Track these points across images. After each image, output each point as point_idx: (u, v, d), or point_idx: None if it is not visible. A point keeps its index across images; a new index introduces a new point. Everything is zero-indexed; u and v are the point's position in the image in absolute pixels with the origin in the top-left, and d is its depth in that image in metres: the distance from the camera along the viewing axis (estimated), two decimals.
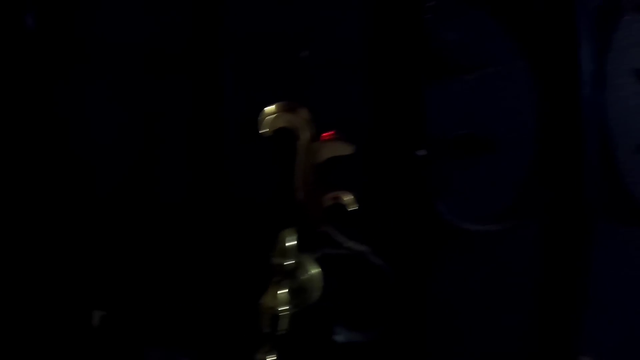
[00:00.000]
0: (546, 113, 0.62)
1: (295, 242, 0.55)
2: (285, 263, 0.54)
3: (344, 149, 0.58)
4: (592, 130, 0.63)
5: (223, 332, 0.61)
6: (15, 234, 0.64)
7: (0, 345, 0.67)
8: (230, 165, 0.59)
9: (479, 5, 0.61)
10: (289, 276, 0.55)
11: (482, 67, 0.61)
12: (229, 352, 0.60)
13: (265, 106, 0.58)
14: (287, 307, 0.55)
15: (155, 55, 0.60)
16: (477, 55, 0.61)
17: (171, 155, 0.60)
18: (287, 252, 0.55)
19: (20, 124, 0.62)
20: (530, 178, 0.63)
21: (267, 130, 0.57)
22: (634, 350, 0.69)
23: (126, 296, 0.63)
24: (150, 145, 0.60)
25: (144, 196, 0.61)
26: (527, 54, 0.62)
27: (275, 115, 0.57)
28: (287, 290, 0.55)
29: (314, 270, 0.60)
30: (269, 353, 0.56)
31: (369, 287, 0.61)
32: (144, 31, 0.61)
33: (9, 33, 0.62)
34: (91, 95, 0.62)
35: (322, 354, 0.62)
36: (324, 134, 0.58)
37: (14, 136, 0.63)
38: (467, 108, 0.61)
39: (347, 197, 0.59)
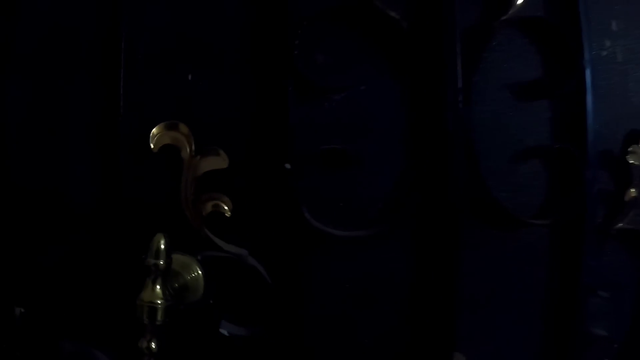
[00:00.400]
0: (414, 127, 0.68)
1: (165, 244, 0.63)
2: (159, 262, 0.63)
3: (220, 163, 0.67)
4: (459, 143, 0.67)
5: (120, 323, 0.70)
6: None
7: None
8: (127, 178, 0.69)
9: (348, 27, 0.68)
10: (162, 274, 0.63)
11: (351, 87, 0.67)
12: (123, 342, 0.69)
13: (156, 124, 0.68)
14: (162, 301, 0.63)
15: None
16: (345, 75, 0.68)
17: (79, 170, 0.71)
18: (159, 253, 0.63)
19: None
20: (399, 188, 0.68)
21: (154, 147, 0.67)
22: (505, 347, 0.71)
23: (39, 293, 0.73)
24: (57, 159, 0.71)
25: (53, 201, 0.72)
26: (396, 73, 0.68)
27: (159, 133, 0.67)
28: (161, 286, 0.63)
29: (197, 271, 0.68)
30: (150, 342, 0.64)
31: (247, 286, 0.69)
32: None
33: None
34: None
35: (208, 347, 0.70)
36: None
37: None
38: (336, 124, 0.68)
39: (225, 205, 0.67)
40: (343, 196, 0.68)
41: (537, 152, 0.73)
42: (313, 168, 0.67)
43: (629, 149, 0.79)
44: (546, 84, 0.73)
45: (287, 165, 0.66)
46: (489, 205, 0.69)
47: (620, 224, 0.80)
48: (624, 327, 0.85)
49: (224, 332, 0.70)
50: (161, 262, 0.63)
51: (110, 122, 0.69)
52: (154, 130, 0.67)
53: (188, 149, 0.67)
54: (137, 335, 0.67)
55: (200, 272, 0.68)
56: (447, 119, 0.67)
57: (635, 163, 0.79)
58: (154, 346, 0.64)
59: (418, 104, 0.68)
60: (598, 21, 0.76)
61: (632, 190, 0.80)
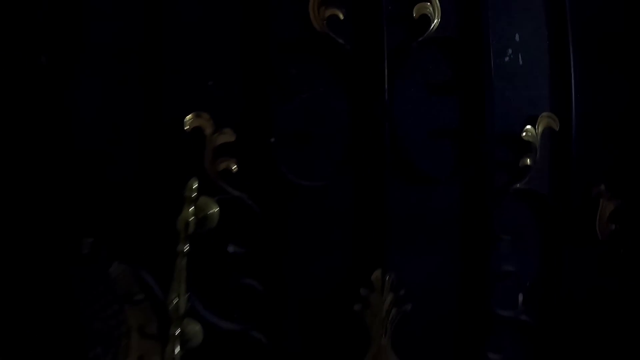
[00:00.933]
0: (355, 116, 1.01)
1: (196, 184, 0.91)
2: (192, 194, 0.92)
3: (229, 138, 1.00)
4: (386, 126, 1.00)
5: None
6: None
7: None
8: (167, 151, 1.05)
9: (315, 51, 1.02)
10: (193, 202, 0.92)
11: (312, 89, 1.02)
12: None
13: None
14: (193, 218, 0.88)
15: None
16: (309, 82, 1.02)
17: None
18: (192, 189, 0.91)
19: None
20: (344, 154, 1.02)
21: (187, 128, 1.04)
22: (429, 278, 1.01)
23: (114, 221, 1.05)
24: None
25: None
26: (342, 79, 1.01)
27: (191, 119, 1.03)
28: (192, 210, 0.90)
29: (214, 208, 1.03)
30: (184, 245, 0.87)
31: (246, 218, 1.03)
32: None
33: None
34: None
35: (221, 260, 1.03)
36: None
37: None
38: (303, 113, 1.02)
39: (232, 165, 1.02)
40: (308, 160, 1.01)
41: (447, 133, 1.04)
42: (288, 142, 1.02)
43: (524, 129, 1.06)
44: (454, 84, 1.03)
45: (272, 139, 1.00)
46: (411, 169, 0.99)
47: (517, 185, 1.07)
48: (533, 266, 1.08)
49: (230, 249, 1.04)
50: (193, 195, 0.97)
51: (154, 112, 0.99)
52: (187, 117, 1.02)
53: (209, 129, 1.03)
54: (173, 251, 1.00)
55: (216, 209, 1.04)
56: (377, 108, 0.99)
57: (529, 140, 1.08)
58: (186, 249, 0.97)
59: (358, 100, 1.00)
60: (503, 35, 1.01)
61: (527, 159, 1.09)
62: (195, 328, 0.95)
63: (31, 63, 0.97)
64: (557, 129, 1.04)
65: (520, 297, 1.08)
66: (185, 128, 0.96)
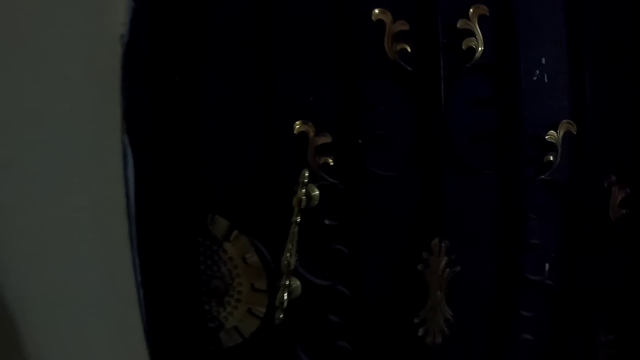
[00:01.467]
0: (420, 123, 1.13)
1: (307, 173, 1.04)
2: (303, 177, 1.07)
3: (327, 139, 1.09)
4: (442, 131, 1.19)
5: None
6: None
7: None
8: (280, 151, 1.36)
9: (389, 75, 1.11)
10: (306, 186, 1.05)
11: (388, 104, 1.08)
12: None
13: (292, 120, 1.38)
14: (304, 198, 1.04)
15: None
16: (385, 98, 1.14)
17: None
18: (303, 176, 1.05)
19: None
20: (411, 152, 1.32)
21: (296, 132, 1.39)
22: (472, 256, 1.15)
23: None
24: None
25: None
26: (410, 97, 1.14)
27: (299, 124, 1.38)
28: (305, 190, 1.06)
29: (315, 190, 1.24)
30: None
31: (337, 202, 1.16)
32: None
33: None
34: None
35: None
36: None
37: None
38: (382, 122, 1.17)
39: (330, 160, 1.36)
40: (384, 157, 1.12)
41: (487, 136, 1.12)
42: (370, 143, 1.10)
43: (548, 133, 1.18)
44: (493, 98, 1.08)
45: (359, 141, 1.07)
46: (460, 162, 1.14)
47: (542, 176, 1.16)
48: (556, 241, 1.19)
49: (326, 222, 1.10)
50: (305, 181, 1.06)
51: (271, 116, 1.10)
52: (296, 123, 1.08)
53: (312, 133, 1.09)
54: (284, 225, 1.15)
55: (317, 192, 1.08)
56: (436, 117, 1.07)
57: (551, 141, 1.17)
58: (298, 220, 1.03)
59: (422, 111, 1.05)
60: (531, 59, 1.09)
61: (550, 156, 1.20)
62: (296, 282, 1.11)
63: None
64: (575, 132, 1.11)
65: (547, 266, 1.16)
66: (294, 132, 1.11)
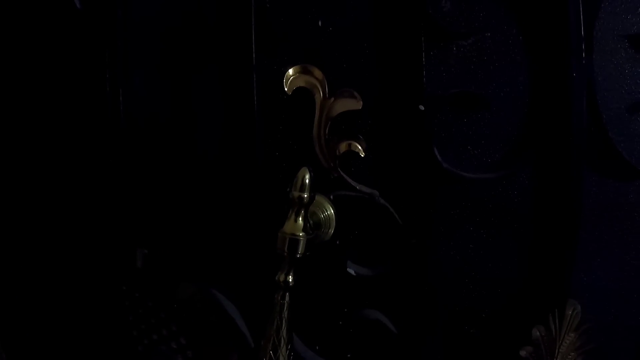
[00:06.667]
0: (537, 75, 0.70)
1: (309, 178, 0.65)
2: (303, 195, 0.64)
3: (354, 105, 0.68)
4: (580, 92, 0.69)
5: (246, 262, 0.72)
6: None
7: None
8: (260, 121, 0.71)
9: None
10: (305, 207, 0.65)
11: (477, 33, 0.69)
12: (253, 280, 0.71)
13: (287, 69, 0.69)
14: (303, 234, 0.65)
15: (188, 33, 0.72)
16: (472, 22, 0.69)
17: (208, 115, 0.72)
18: (303, 186, 0.64)
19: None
20: (522, 132, 0.70)
21: (287, 89, 0.69)
22: (618, 297, 0.74)
23: (162, 235, 0.75)
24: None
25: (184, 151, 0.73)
26: (519, 21, 0.70)
27: (294, 76, 0.68)
28: (303, 219, 0.64)
29: (329, 209, 0.70)
30: (287, 275, 0.65)
31: (377, 225, 0.71)
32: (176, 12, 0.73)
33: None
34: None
35: (335, 285, 0.72)
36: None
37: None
38: (464, 69, 0.70)
39: (359, 145, 0.69)
40: (471, 139, 0.70)
41: None
42: (443, 111, 0.69)
43: None
44: None
45: (421, 107, 0.68)
46: (610, 155, 0.71)
47: None
48: None
49: (351, 271, 0.72)
50: (305, 195, 0.64)
51: (244, 68, 0.70)
52: (288, 71, 0.68)
53: (321, 92, 0.68)
54: (262, 273, 0.69)
55: (332, 210, 0.70)
56: (571, 65, 0.68)
57: None
58: (291, 279, 0.66)
59: (541, 51, 0.70)
60: None
61: None
62: None
63: None
64: None
65: None
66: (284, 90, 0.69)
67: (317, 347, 0.76)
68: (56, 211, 0.78)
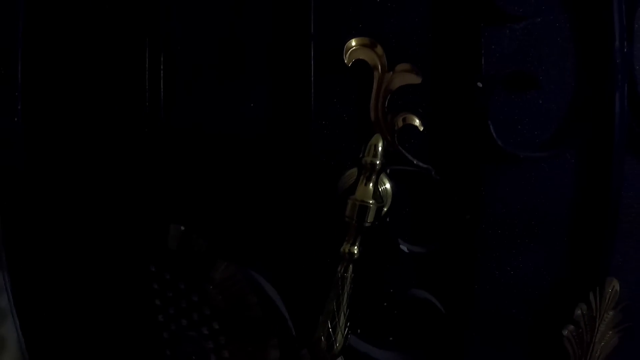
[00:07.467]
0: (582, 59, 0.73)
1: (382, 145, 0.64)
2: (375, 161, 0.63)
3: (413, 79, 0.68)
4: (623, 78, 0.72)
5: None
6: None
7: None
8: (315, 93, 0.69)
9: None
10: (377, 174, 0.63)
11: (530, 18, 0.71)
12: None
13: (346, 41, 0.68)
14: (373, 202, 0.63)
15: None
16: (527, 7, 0.71)
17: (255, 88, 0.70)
18: (376, 152, 0.63)
19: None
20: (569, 114, 0.72)
21: (347, 61, 0.68)
22: None
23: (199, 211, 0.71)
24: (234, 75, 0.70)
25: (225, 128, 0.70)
26: (567, 9, 0.72)
27: (354, 48, 0.68)
28: (374, 186, 0.63)
29: (386, 183, 0.69)
30: (353, 245, 0.63)
31: (431, 201, 0.70)
32: None
33: None
34: None
35: (383, 265, 0.70)
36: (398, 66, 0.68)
37: None
38: (516, 51, 0.71)
39: (416, 120, 0.68)
40: (522, 118, 0.71)
41: None
42: (497, 90, 0.70)
43: None
44: None
45: (479, 84, 0.69)
46: None
47: None
48: None
49: (404, 248, 0.71)
50: (377, 162, 0.63)
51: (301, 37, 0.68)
52: (350, 42, 0.67)
53: (380, 64, 0.68)
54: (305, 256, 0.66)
55: (389, 184, 0.69)
56: (615, 51, 0.71)
57: None
58: (356, 251, 0.64)
59: (586, 38, 0.73)
60: None
61: None
62: None
63: None
64: None
65: None
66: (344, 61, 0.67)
67: (358, 331, 0.73)
68: (87, 187, 0.72)
